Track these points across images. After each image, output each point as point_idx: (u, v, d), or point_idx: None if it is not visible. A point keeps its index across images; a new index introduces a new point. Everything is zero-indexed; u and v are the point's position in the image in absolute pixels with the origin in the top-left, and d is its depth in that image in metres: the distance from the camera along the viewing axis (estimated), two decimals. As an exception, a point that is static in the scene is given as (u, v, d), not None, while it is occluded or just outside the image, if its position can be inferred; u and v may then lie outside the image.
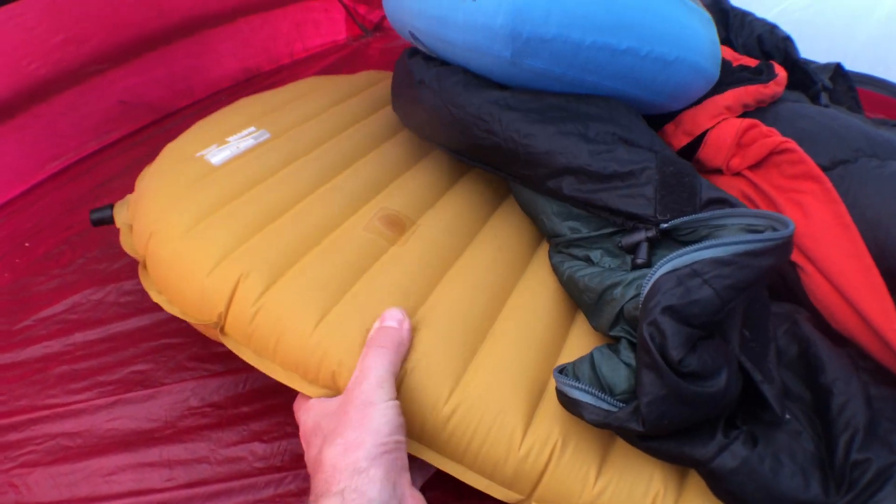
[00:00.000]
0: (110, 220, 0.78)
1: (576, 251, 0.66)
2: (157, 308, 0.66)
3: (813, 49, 1.00)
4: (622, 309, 0.56)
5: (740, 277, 0.49)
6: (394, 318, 0.58)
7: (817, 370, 0.61)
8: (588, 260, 0.64)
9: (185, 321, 0.64)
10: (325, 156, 0.81)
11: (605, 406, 0.50)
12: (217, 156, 0.76)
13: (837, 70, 0.97)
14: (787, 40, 0.95)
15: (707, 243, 0.51)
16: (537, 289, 0.67)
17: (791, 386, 0.61)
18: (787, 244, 0.51)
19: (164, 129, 1.15)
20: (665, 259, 0.51)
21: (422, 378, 0.56)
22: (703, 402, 0.47)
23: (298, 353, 0.58)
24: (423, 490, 0.52)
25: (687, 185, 0.60)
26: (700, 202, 0.59)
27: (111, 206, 0.79)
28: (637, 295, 0.54)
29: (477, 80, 0.73)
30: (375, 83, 1.05)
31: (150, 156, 1.02)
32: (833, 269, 0.68)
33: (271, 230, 0.67)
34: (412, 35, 0.80)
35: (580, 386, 0.51)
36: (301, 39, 1.40)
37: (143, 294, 0.71)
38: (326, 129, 0.87)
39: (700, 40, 0.69)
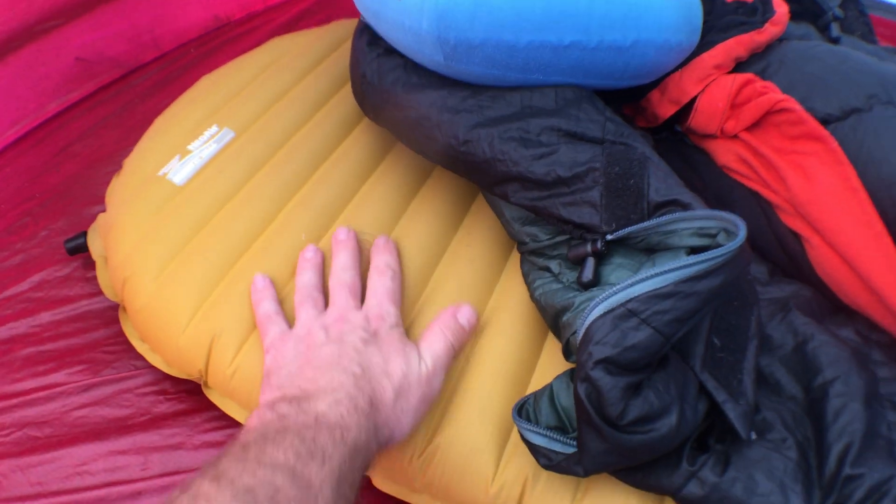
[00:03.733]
0: (85, 249, 0.87)
1: (537, 260, 0.70)
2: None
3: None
4: (569, 340, 0.60)
5: (685, 308, 0.52)
6: (467, 320, 0.68)
7: (813, 369, 0.64)
8: (549, 270, 0.68)
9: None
10: (288, 161, 0.86)
11: (557, 447, 0.56)
12: (179, 173, 0.83)
13: (847, -6, 0.93)
14: (792, -37, 0.92)
15: (642, 275, 0.53)
16: (508, 306, 0.72)
17: (784, 384, 0.64)
18: (738, 257, 0.53)
19: (131, 86, 1.18)
20: (599, 298, 0.54)
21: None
22: (650, 447, 0.52)
23: (276, 406, 0.67)
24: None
25: (633, 189, 0.62)
26: (648, 207, 0.61)
27: (85, 234, 0.88)
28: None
29: (418, 76, 0.74)
30: (344, 40, 1.06)
31: (116, 115, 1.12)
32: (841, 238, 0.69)
33: (237, 272, 0.73)
34: None
35: (535, 429, 0.57)
36: (275, -17, 1.42)
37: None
38: (290, 119, 0.91)
39: (662, 14, 0.68)
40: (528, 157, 0.66)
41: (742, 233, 0.53)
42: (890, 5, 1.07)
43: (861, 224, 0.68)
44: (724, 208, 0.59)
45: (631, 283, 0.53)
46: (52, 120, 1.11)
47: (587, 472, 0.54)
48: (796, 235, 0.74)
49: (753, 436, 0.58)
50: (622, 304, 0.52)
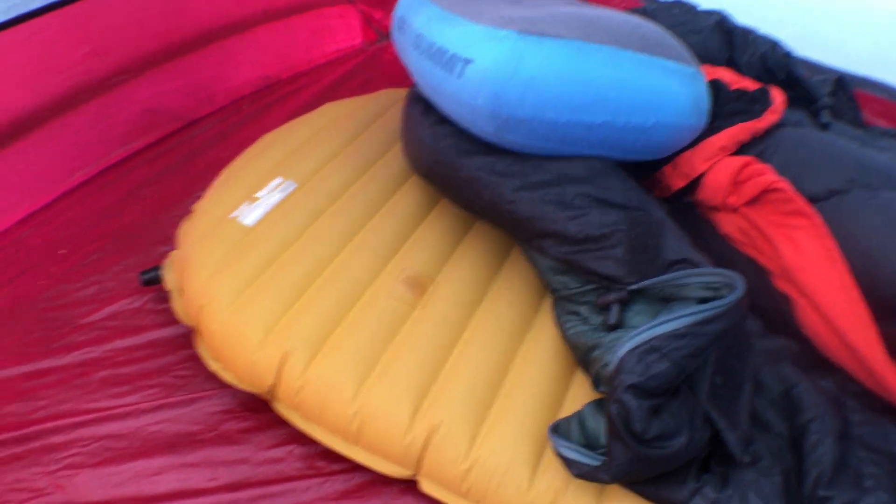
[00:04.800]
0: (159, 281, 0.99)
1: (569, 305, 0.83)
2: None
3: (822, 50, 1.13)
4: (599, 372, 0.73)
5: (696, 345, 0.65)
6: None
7: (797, 410, 0.77)
8: (578, 314, 0.81)
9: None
10: (347, 209, 0.99)
11: (585, 460, 0.68)
12: (249, 216, 0.96)
13: (838, 82, 1.08)
14: (787, 56, 1.07)
15: (665, 317, 0.66)
16: (543, 343, 0.85)
17: (773, 422, 0.77)
18: (737, 307, 0.66)
19: (189, 137, 1.32)
20: (628, 337, 0.67)
21: (444, 440, 0.75)
22: (666, 460, 0.65)
23: (340, 420, 0.78)
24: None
25: (652, 248, 0.76)
26: (664, 263, 0.75)
27: (159, 268, 1.00)
28: (609, 363, 0.71)
29: (468, 143, 0.88)
30: (389, 107, 1.22)
31: (177, 164, 1.25)
32: (822, 301, 0.82)
33: (305, 300, 0.86)
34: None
35: (567, 445, 0.69)
36: (318, 46, 1.58)
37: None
38: (346, 173, 1.06)
39: (679, 101, 0.83)
40: (563, 217, 0.80)
41: (740, 288, 0.67)
42: (880, 83, 1.22)
43: (840, 289, 0.81)
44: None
45: (654, 325, 0.66)
46: (117, 165, 1.25)
47: (613, 479, 0.66)
48: (786, 297, 0.86)
49: (747, 459, 0.70)
50: (647, 342, 0.65)
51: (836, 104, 1.09)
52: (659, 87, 0.82)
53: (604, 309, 0.78)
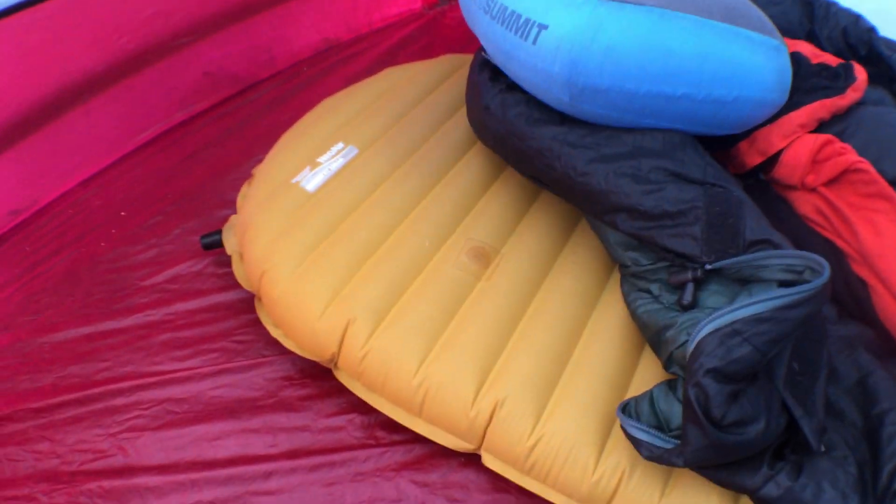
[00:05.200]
0: (220, 245, 1.00)
1: (639, 283, 0.81)
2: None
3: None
4: (672, 353, 0.71)
5: (779, 331, 0.63)
6: None
7: (872, 400, 0.74)
8: (649, 293, 0.79)
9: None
10: (409, 177, 0.98)
11: (657, 443, 0.67)
12: (311, 182, 0.96)
13: (919, 61, 1.04)
14: (870, 31, 1.02)
15: (747, 300, 0.64)
16: (609, 320, 0.84)
17: (847, 411, 0.75)
18: (822, 292, 0.63)
19: (249, 100, 1.32)
20: (708, 318, 0.65)
21: (509, 415, 0.74)
22: (742, 447, 0.63)
23: (403, 391, 0.78)
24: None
25: (731, 227, 0.73)
26: (744, 243, 0.72)
27: (220, 232, 1.00)
28: (685, 343, 0.69)
29: (539, 112, 0.86)
30: (452, 73, 1.20)
31: (237, 127, 1.25)
32: (901, 288, 0.80)
33: (369, 268, 0.86)
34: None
35: (638, 425, 0.68)
36: (379, 9, 1.55)
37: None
38: (408, 140, 1.04)
39: (762, 75, 0.80)
40: (638, 191, 0.78)
41: (826, 272, 0.64)
42: None
43: (918, 278, 0.78)
44: None
45: (735, 308, 0.64)
46: (178, 128, 1.25)
47: (686, 464, 0.64)
48: (863, 282, 0.84)
49: (822, 448, 0.68)
50: (729, 325, 0.63)
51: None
52: (742, 60, 0.79)
53: (677, 288, 0.76)
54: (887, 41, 1.08)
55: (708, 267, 0.73)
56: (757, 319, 0.63)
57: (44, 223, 1.07)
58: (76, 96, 1.07)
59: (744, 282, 0.73)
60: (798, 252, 0.69)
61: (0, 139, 0.99)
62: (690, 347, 0.65)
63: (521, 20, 0.82)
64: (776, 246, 0.72)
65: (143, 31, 1.12)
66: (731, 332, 0.63)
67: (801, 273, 0.68)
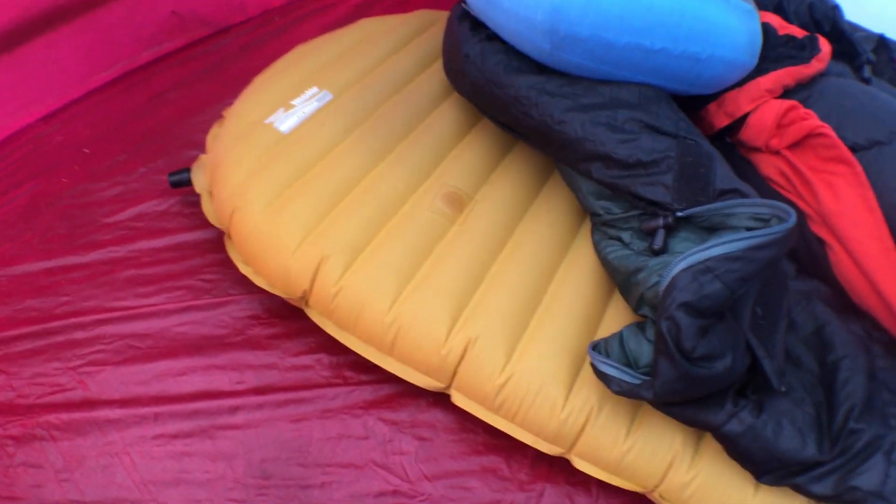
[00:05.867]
0: (188, 183, 0.98)
1: (610, 231, 0.83)
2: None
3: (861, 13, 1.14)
4: (643, 294, 0.74)
5: (748, 270, 0.66)
6: None
7: (828, 349, 0.79)
8: (620, 240, 0.82)
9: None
10: (386, 121, 0.98)
11: (627, 378, 0.69)
12: (285, 123, 0.95)
13: (880, 42, 1.10)
14: (835, 9, 1.08)
15: (718, 240, 0.67)
16: (580, 265, 0.86)
17: (804, 359, 0.79)
18: (789, 235, 0.67)
19: (219, 46, 1.29)
20: (681, 256, 0.68)
21: (480, 353, 0.76)
22: (709, 381, 0.66)
23: (375, 329, 0.79)
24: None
25: (702, 176, 0.77)
26: (714, 192, 0.75)
27: (188, 170, 0.99)
28: (657, 283, 0.71)
29: (518, 61, 0.88)
30: (428, 27, 1.20)
31: (206, 71, 1.24)
32: (857, 248, 0.84)
33: (343, 208, 0.86)
34: None
35: (608, 362, 0.70)
36: (355, -40, 1.56)
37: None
38: (383, 88, 1.04)
39: (735, 36, 0.83)
40: (614, 140, 0.80)
41: (793, 218, 0.68)
42: None
43: (875, 238, 0.83)
44: None
45: (708, 247, 0.67)
46: (145, 67, 1.22)
47: (656, 396, 0.67)
48: (821, 241, 0.88)
49: (783, 388, 0.72)
50: (702, 262, 0.67)
51: (878, 63, 1.11)
52: (718, 19, 0.82)
53: (648, 234, 0.78)
54: (849, 23, 1.14)
55: (679, 214, 0.76)
56: (728, 258, 0.66)
57: (3, 157, 1.04)
58: (39, 26, 1.03)
59: (712, 229, 0.76)
60: (765, 201, 0.73)
61: (-44, 69, 0.96)
62: (664, 284, 0.68)
63: (507, -33, 0.84)
64: (744, 195, 0.75)
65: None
66: (704, 269, 0.66)
67: (767, 221, 0.72)
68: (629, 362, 0.72)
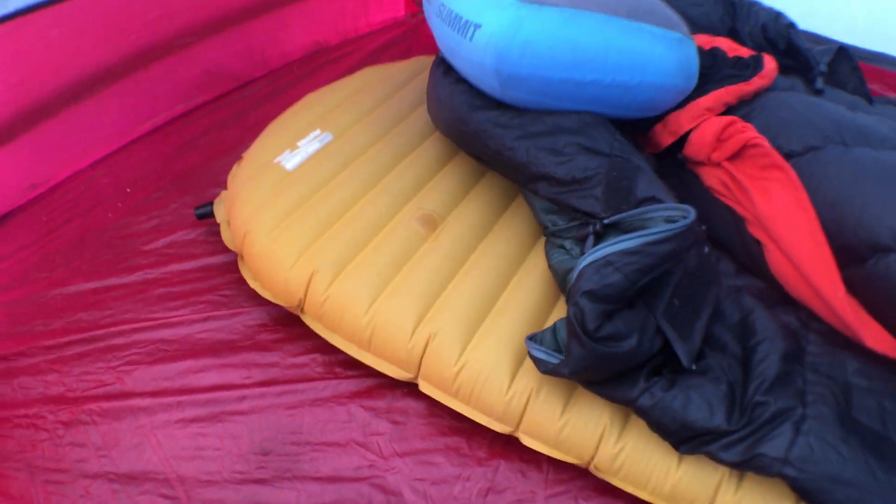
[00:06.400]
0: (211, 215, 1.18)
1: (556, 241, 0.98)
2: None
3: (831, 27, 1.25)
4: (570, 290, 0.88)
5: (645, 262, 0.79)
6: None
7: (751, 334, 0.90)
8: (563, 248, 0.96)
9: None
10: (377, 157, 1.17)
11: (550, 360, 0.83)
12: (290, 161, 1.14)
13: (840, 52, 1.20)
14: (790, 27, 1.19)
15: (620, 238, 0.80)
16: (533, 275, 1.01)
17: (730, 345, 0.90)
18: (685, 232, 0.80)
19: (244, 96, 1.52)
20: (588, 254, 0.82)
21: (440, 345, 0.92)
22: (616, 358, 0.79)
23: (355, 328, 0.96)
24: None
25: (625, 187, 0.90)
26: (635, 200, 0.89)
27: (211, 204, 1.19)
28: (576, 279, 0.86)
29: (480, 99, 1.04)
30: (421, 71, 1.39)
31: (231, 119, 1.46)
32: (790, 246, 0.95)
33: (334, 231, 1.03)
34: None
35: (539, 348, 0.84)
36: (365, 16, 1.76)
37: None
38: (377, 128, 1.24)
39: (662, 63, 0.96)
40: (554, 162, 0.95)
41: (691, 216, 0.81)
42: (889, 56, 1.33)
43: (807, 235, 0.94)
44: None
45: (610, 244, 0.81)
46: (179, 118, 1.45)
47: (571, 373, 0.81)
48: (758, 242, 1.00)
49: (693, 367, 0.84)
50: (604, 257, 0.80)
51: (839, 74, 1.21)
52: (643, 50, 0.96)
53: (582, 241, 0.92)
54: (809, 35, 1.25)
55: (606, 221, 0.89)
56: (626, 252, 0.80)
57: (58, 196, 1.27)
58: (90, 87, 1.26)
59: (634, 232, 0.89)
60: (674, 204, 0.86)
61: (23, 122, 1.19)
62: (573, 278, 0.82)
63: (462, 21, 1.01)
64: (660, 201, 0.88)
65: (150, 30, 1.32)
66: (605, 262, 0.80)
67: (677, 221, 0.84)
68: (560, 349, 0.86)
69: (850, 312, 0.90)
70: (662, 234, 0.80)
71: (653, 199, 0.89)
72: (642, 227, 0.87)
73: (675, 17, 1.02)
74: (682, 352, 0.83)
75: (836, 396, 0.86)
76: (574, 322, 0.79)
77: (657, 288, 0.84)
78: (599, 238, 0.91)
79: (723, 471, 0.85)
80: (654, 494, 0.87)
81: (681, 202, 0.91)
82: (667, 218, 0.85)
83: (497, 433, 0.92)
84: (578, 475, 0.93)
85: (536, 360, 0.85)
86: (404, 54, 1.58)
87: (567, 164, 0.94)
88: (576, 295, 0.79)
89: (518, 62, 0.94)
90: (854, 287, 0.92)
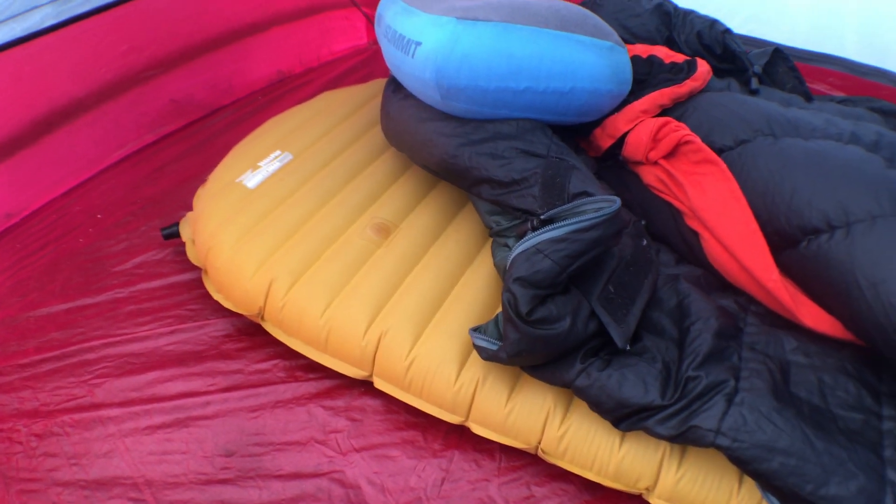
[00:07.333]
0: (177, 235, 1.27)
1: (500, 240, 1.06)
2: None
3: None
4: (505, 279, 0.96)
5: (573, 249, 0.87)
6: None
7: (685, 316, 0.98)
8: (507, 246, 1.04)
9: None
10: (334, 173, 1.26)
11: (490, 346, 0.90)
12: (251, 180, 1.23)
13: (776, 53, 1.30)
14: (725, 33, 1.30)
15: (549, 227, 0.89)
16: (480, 275, 1.09)
17: (667, 328, 0.98)
18: (609, 220, 0.88)
19: (209, 125, 1.62)
20: (519, 243, 0.90)
21: (391, 342, 1.00)
22: (550, 340, 0.87)
23: (312, 331, 1.03)
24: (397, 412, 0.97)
25: (559, 185, 0.99)
26: (568, 196, 0.97)
27: (177, 224, 1.27)
28: (517, 273, 0.94)
29: (426, 112, 1.14)
30: (377, 94, 1.48)
31: (198, 146, 1.56)
32: (725, 234, 1.03)
33: (292, 243, 1.12)
34: None
35: (481, 336, 0.92)
36: (327, 45, 1.88)
37: (196, 256, 1.17)
38: (335, 147, 1.34)
39: (594, 70, 1.06)
40: (494, 166, 1.04)
41: (615, 205, 0.89)
42: (832, 56, 1.44)
43: (740, 223, 1.02)
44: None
45: (540, 233, 0.89)
46: (148, 147, 1.56)
47: (509, 356, 0.88)
48: (695, 233, 1.08)
49: (627, 347, 0.91)
50: (533, 246, 0.89)
51: (776, 74, 1.30)
52: (574, 58, 1.05)
53: (522, 236, 1.00)
54: (754, 40, 1.35)
55: (542, 216, 0.97)
56: (554, 240, 0.88)
57: (32, 225, 1.36)
58: (61, 119, 1.36)
59: (565, 222, 0.97)
60: (603, 196, 0.94)
61: (-1, 155, 1.28)
62: (507, 266, 0.90)
63: (405, 40, 1.10)
64: (591, 195, 0.97)
65: (118, 63, 1.42)
66: (535, 250, 0.88)
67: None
68: (501, 338, 0.93)
69: (785, 294, 0.98)
70: (588, 222, 0.88)
71: (584, 194, 0.97)
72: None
73: (605, 28, 1.11)
74: (616, 333, 0.90)
75: (771, 372, 0.92)
76: (508, 307, 0.86)
77: (592, 275, 0.92)
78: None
79: (664, 447, 0.93)
80: (600, 475, 0.95)
81: (625, 203, 0.99)
82: (597, 209, 0.93)
83: (451, 426, 1.00)
84: (530, 462, 1.00)
85: (479, 349, 0.93)
86: (364, 79, 1.68)
87: (506, 167, 1.03)
88: (508, 283, 0.87)
89: (456, 74, 1.03)
90: (790, 270, 1.00)
